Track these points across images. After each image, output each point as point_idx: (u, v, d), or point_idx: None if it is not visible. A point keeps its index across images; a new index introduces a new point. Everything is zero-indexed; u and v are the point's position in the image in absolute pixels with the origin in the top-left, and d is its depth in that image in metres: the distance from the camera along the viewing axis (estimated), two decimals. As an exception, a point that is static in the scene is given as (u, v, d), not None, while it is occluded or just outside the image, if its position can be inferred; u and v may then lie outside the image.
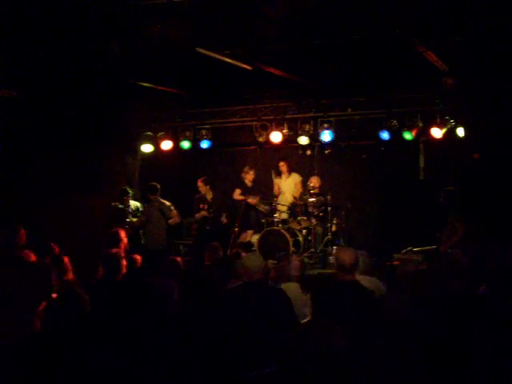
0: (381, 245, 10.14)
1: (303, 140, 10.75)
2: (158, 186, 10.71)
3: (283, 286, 5.64)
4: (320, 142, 10.89)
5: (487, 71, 8.95)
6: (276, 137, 10.83)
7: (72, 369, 3.51)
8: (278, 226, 10.64)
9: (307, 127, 10.70)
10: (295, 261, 6.36)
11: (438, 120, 9.88)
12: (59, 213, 10.41)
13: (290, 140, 11.05)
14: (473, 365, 3.58)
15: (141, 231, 10.66)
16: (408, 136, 10.11)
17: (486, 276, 5.62)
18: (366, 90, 10.39)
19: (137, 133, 11.64)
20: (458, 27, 7.32)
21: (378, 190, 11.51)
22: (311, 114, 10.83)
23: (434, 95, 9.93)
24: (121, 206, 10.57)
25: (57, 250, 7.04)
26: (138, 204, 10.85)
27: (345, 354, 2.52)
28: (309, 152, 11.79)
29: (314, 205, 10.72)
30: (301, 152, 11.73)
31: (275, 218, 10.77)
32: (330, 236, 10.64)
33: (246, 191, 11.23)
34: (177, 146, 11.49)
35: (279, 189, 11.48)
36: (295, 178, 11.41)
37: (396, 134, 10.15)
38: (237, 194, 11.28)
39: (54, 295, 4.55)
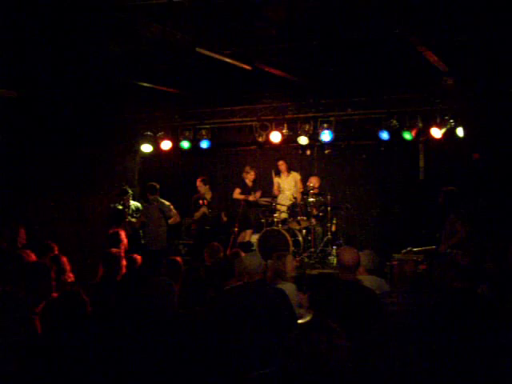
0: (381, 245, 10.16)
1: (303, 140, 10.75)
2: (158, 186, 10.72)
3: (279, 286, 5.63)
4: (320, 141, 10.89)
5: (487, 71, 8.95)
6: (276, 137, 10.83)
7: (72, 369, 3.51)
8: (277, 226, 10.65)
9: (307, 127, 10.69)
10: (291, 261, 6.33)
11: (438, 120, 9.88)
12: (59, 213, 10.42)
13: (289, 140, 11.05)
14: (473, 364, 3.59)
15: (141, 231, 10.66)
16: (408, 136, 10.11)
17: (486, 276, 5.62)
18: (366, 90, 10.39)
19: (137, 133, 11.65)
20: (458, 27, 7.32)
21: (377, 189, 11.52)
22: (311, 114, 10.83)
23: (433, 95, 9.93)
24: (120, 206, 10.56)
25: (56, 249, 7.05)
26: (138, 204, 10.85)
27: (345, 354, 2.52)
28: (308, 152, 11.80)
29: (313, 205, 10.73)
30: (300, 152, 11.75)
31: (275, 217, 10.78)
32: (329, 236, 10.65)
33: (246, 191, 11.24)
34: (176, 146, 11.49)
35: (279, 188, 11.50)
36: (295, 176, 11.44)
37: (396, 134, 10.14)
38: (236, 194, 11.29)
39: (54, 295, 4.55)
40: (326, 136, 10.50)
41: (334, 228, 10.81)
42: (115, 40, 7.44)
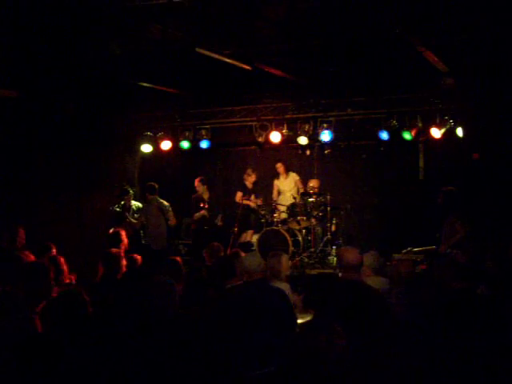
0: (381, 245, 10.14)
1: (303, 140, 10.75)
2: (156, 186, 10.72)
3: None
4: (320, 142, 10.90)
5: (487, 71, 8.95)
6: (276, 137, 10.83)
7: (72, 369, 3.51)
8: (277, 226, 10.65)
9: (307, 127, 10.69)
10: (286, 260, 6.32)
11: (438, 120, 9.88)
12: (59, 213, 10.41)
13: (289, 140, 11.05)
14: (472, 364, 3.59)
15: (141, 231, 10.66)
16: (408, 136, 10.11)
17: (486, 276, 5.63)
18: (366, 90, 10.39)
19: (137, 133, 11.65)
20: (458, 27, 7.32)
21: (377, 190, 11.52)
22: (311, 114, 10.83)
23: (433, 95, 9.93)
24: (118, 209, 10.55)
25: (54, 249, 7.05)
26: (139, 204, 10.84)
27: (346, 354, 2.52)
28: (308, 152, 11.80)
29: (313, 205, 10.72)
30: (300, 152, 11.74)
31: (275, 217, 10.78)
32: (329, 236, 10.65)
33: (247, 193, 11.23)
34: (176, 146, 11.49)
35: (279, 190, 11.50)
36: (294, 176, 11.45)
37: (396, 134, 10.14)
38: (239, 197, 11.25)
39: (54, 295, 4.55)
40: (325, 136, 10.50)
41: (333, 228, 10.81)
42: (115, 40, 7.45)
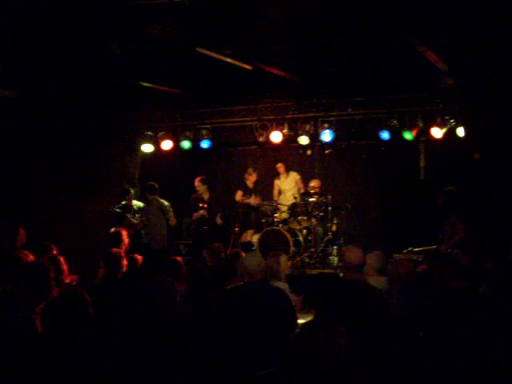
0: (381, 245, 10.13)
1: (303, 140, 10.75)
2: (156, 186, 10.71)
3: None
4: (320, 141, 10.90)
5: (487, 71, 8.95)
6: (276, 137, 10.84)
7: (72, 369, 3.50)
8: (278, 226, 10.64)
9: (307, 127, 10.70)
10: (286, 260, 6.31)
11: (438, 120, 9.88)
12: (59, 213, 10.41)
13: (290, 140, 11.05)
14: (473, 364, 3.58)
15: (143, 231, 10.65)
16: (408, 136, 10.11)
17: (486, 276, 5.62)
18: (366, 90, 10.39)
19: (137, 133, 11.65)
20: (458, 27, 7.32)
21: (378, 189, 11.51)
22: (311, 114, 10.84)
23: (434, 95, 9.93)
24: (118, 209, 10.54)
25: (54, 249, 7.05)
26: (140, 204, 10.82)
27: (348, 354, 2.51)
28: (309, 152, 11.79)
29: (314, 205, 10.72)
30: (301, 152, 11.74)
31: (276, 217, 10.77)
32: (330, 236, 10.64)
33: (248, 193, 11.23)
34: (177, 146, 11.49)
35: (279, 190, 11.50)
36: (294, 176, 11.44)
37: (396, 134, 10.15)
38: (239, 196, 11.26)
39: (54, 294, 4.55)
40: (326, 136, 10.51)
41: (334, 228, 10.79)
42: (116, 40, 7.44)
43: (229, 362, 3.77)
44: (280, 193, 11.50)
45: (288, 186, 11.40)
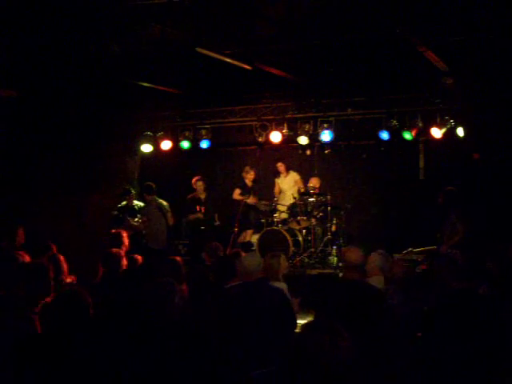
0: (381, 245, 10.12)
1: (303, 140, 10.75)
2: (154, 186, 10.69)
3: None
4: (320, 141, 10.90)
5: (487, 71, 8.95)
6: (276, 137, 10.84)
7: (72, 369, 3.50)
8: (277, 226, 10.64)
9: (307, 127, 10.70)
10: (284, 260, 6.31)
11: (438, 120, 9.87)
12: (59, 213, 10.41)
13: (289, 140, 11.05)
14: (473, 364, 3.58)
15: (144, 231, 10.63)
16: (408, 136, 10.11)
17: (486, 276, 5.62)
18: (366, 90, 10.39)
19: (137, 133, 11.64)
20: (458, 27, 7.32)
21: (377, 189, 11.51)
22: (311, 114, 10.83)
23: (434, 95, 9.93)
24: (117, 213, 10.51)
25: (54, 249, 7.04)
26: (141, 204, 10.81)
27: (348, 355, 2.51)
28: (309, 152, 11.79)
29: (313, 205, 10.72)
30: (301, 152, 11.74)
31: (275, 217, 10.77)
32: (329, 236, 10.64)
33: (246, 191, 11.22)
34: (176, 146, 11.49)
35: (279, 189, 11.50)
36: (294, 175, 11.44)
37: (396, 134, 10.14)
38: (236, 194, 11.28)
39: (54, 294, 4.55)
40: (326, 136, 10.50)
41: (334, 228, 10.79)
42: (115, 40, 7.45)
43: (228, 362, 3.77)
44: (280, 191, 11.50)
45: (288, 186, 11.40)
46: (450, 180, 9.52)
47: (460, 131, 9.75)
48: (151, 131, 11.57)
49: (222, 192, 12.27)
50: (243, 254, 6.83)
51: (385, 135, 10.19)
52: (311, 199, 10.71)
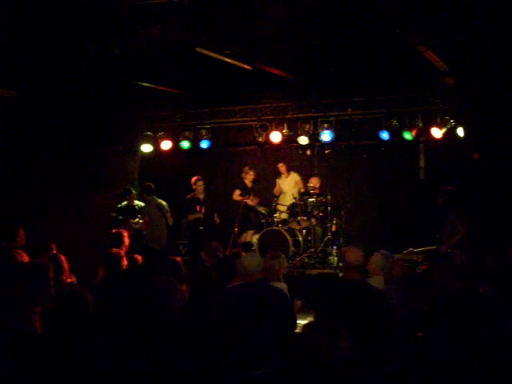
0: (381, 245, 10.12)
1: (303, 140, 10.75)
2: (153, 186, 10.68)
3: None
4: (320, 141, 10.90)
5: (487, 71, 8.95)
6: (276, 137, 10.84)
7: (71, 369, 3.50)
8: (277, 226, 10.64)
9: (307, 127, 10.70)
10: (284, 260, 6.31)
11: (438, 120, 9.88)
12: (59, 213, 10.41)
13: (289, 140, 11.06)
14: (472, 364, 3.58)
15: (144, 232, 10.63)
16: (408, 136, 10.11)
17: (486, 276, 5.62)
18: (366, 90, 10.39)
19: (137, 133, 11.65)
20: (458, 27, 7.32)
21: (378, 189, 11.51)
22: (311, 114, 10.84)
23: (434, 95, 9.93)
24: (116, 215, 10.50)
25: (55, 249, 7.04)
26: (142, 204, 10.81)
27: (349, 355, 2.51)
28: (309, 152, 11.80)
29: (313, 205, 10.72)
30: (301, 152, 11.75)
31: (275, 217, 10.78)
32: (329, 236, 10.64)
33: (246, 192, 11.22)
34: (176, 146, 11.50)
35: (280, 189, 11.50)
36: (294, 176, 11.44)
37: (396, 134, 10.15)
38: (236, 195, 11.27)
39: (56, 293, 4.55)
40: (326, 136, 10.51)
41: (334, 228, 10.79)
42: (115, 40, 7.44)
43: (228, 362, 3.77)
44: (281, 192, 11.50)
45: (288, 186, 11.40)
46: (450, 180, 9.52)
47: (460, 131, 9.75)
48: (151, 131, 11.57)
49: (222, 192, 12.27)
50: (243, 254, 6.82)
51: (385, 135, 10.20)
52: (311, 199, 10.71)
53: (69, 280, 6.25)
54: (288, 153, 11.84)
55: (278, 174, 11.54)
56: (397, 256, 8.91)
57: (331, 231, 10.69)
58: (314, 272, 9.87)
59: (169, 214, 10.70)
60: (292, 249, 10.28)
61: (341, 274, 9.07)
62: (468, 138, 9.78)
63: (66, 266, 6.18)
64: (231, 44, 7.98)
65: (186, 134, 11.39)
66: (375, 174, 11.57)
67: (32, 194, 10.10)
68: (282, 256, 6.29)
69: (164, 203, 10.68)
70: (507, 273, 5.69)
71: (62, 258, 6.21)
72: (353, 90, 10.46)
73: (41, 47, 7.64)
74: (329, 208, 10.67)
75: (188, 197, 11.20)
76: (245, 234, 11.22)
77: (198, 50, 7.67)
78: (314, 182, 10.95)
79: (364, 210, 11.48)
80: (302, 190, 11.22)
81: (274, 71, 9.26)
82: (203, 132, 11.36)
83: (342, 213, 10.84)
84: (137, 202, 10.75)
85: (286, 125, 10.90)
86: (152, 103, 11.32)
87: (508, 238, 7.29)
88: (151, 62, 8.71)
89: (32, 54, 7.85)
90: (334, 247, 10.50)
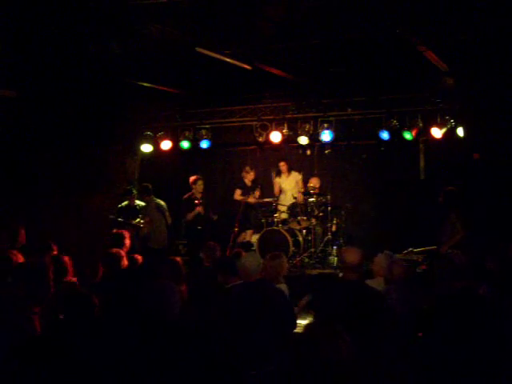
0: (381, 245, 10.12)
1: (303, 140, 10.75)
2: (150, 186, 10.67)
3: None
4: (320, 141, 10.89)
5: (487, 71, 8.95)
6: (276, 137, 10.83)
7: (71, 369, 3.50)
8: (277, 226, 10.64)
9: (307, 127, 10.70)
10: (285, 261, 6.30)
11: (438, 120, 9.87)
12: (59, 213, 10.41)
13: (289, 140, 11.05)
14: (472, 364, 3.58)
15: (145, 232, 10.61)
16: (408, 136, 10.11)
17: (486, 276, 5.62)
18: (366, 90, 10.39)
19: (137, 133, 11.64)
20: (458, 27, 7.32)
21: (378, 189, 11.50)
22: (311, 114, 10.83)
23: (434, 95, 9.93)
24: (112, 216, 10.48)
25: (56, 249, 7.03)
26: (142, 204, 10.79)
27: (348, 355, 2.51)
28: (309, 152, 11.80)
29: (313, 205, 10.71)
30: (301, 152, 11.74)
31: (275, 217, 10.76)
32: (329, 236, 10.63)
33: (246, 191, 11.21)
34: (176, 146, 11.49)
35: (280, 188, 11.48)
36: (295, 176, 11.41)
37: (396, 134, 10.14)
38: (237, 195, 11.24)
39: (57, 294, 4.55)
40: (326, 136, 10.50)
41: (334, 228, 10.79)
42: (115, 40, 7.44)
43: (228, 362, 3.77)
44: (281, 191, 11.48)
45: (289, 186, 11.37)
46: (450, 180, 9.52)
47: (460, 131, 9.75)
48: (151, 131, 11.56)
49: (222, 192, 12.26)
50: (243, 254, 6.82)
51: (385, 135, 10.19)
52: (311, 199, 10.71)
53: (74, 280, 6.23)
54: (288, 153, 11.83)
55: (278, 173, 11.51)
56: (397, 256, 8.93)
57: (331, 231, 10.68)
58: (314, 272, 9.87)
59: (168, 214, 10.70)
60: (292, 249, 10.27)
61: (341, 274, 9.07)
62: (468, 138, 9.78)
63: (70, 267, 6.14)
64: (231, 44, 7.98)
65: (186, 133, 11.38)
66: (375, 173, 11.56)
67: (32, 194, 10.11)
68: (283, 257, 6.28)
69: (162, 203, 10.68)
70: (507, 273, 5.69)
71: (66, 259, 6.16)
72: (353, 90, 10.46)
73: (41, 47, 7.64)
74: (329, 208, 10.66)
75: (185, 197, 11.15)
76: (243, 234, 11.20)
77: (198, 49, 7.67)
78: (314, 182, 10.94)
79: (364, 209, 11.47)
80: (302, 190, 11.20)
81: (274, 71, 9.26)
82: (203, 132, 11.35)
83: (342, 213, 10.83)
84: (138, 202, 10.74)
85: (286, 125, 10.90)
86: (152, 103, 11.32)
87: (508, 237, 7.29)
88: (151, 62, 8.71)
89: (32, 53, 7.85)
90: (334, 247, 10.50)
